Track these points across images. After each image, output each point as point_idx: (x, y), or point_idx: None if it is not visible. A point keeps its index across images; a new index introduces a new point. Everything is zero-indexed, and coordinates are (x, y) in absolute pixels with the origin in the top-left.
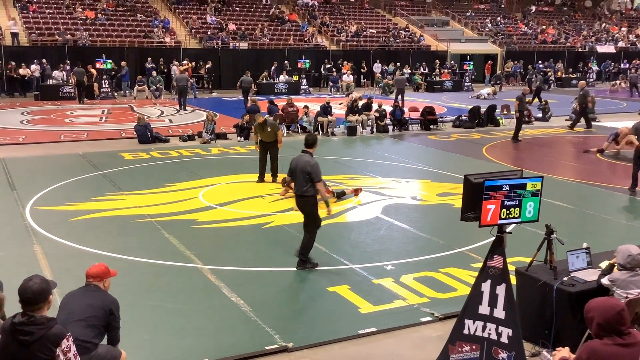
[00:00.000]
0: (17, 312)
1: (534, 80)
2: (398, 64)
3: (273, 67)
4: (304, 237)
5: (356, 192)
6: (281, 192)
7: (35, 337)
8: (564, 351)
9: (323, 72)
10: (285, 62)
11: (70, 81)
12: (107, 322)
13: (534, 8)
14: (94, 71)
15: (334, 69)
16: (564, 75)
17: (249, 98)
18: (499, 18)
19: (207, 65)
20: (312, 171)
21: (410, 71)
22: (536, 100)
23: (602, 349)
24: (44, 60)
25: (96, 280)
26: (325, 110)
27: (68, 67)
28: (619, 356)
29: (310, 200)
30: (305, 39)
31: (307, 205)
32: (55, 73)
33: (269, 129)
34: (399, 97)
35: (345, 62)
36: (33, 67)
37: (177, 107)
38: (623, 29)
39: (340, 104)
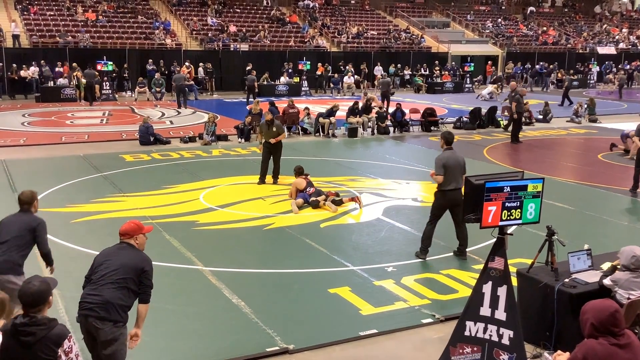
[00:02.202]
0: (18, 314)
1: (565, 80)
2: (399, 65)
3: (290, 69)
4: (463, 230)
5: (354, 200)
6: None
7: (37, 338)
8: (564, 356)
9: (324, 74)
10: (285, 63)
11: (71, 83)
12: (139, 280)
13: (529, 10)
14: (95, 73)
15: (335, 73)
16: (564, 77)
17: (254, 100)
18: (499, 19)
19: (248, 67)
20: (464, 165)
21: (410, 72)
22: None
23: (599, 348)
24: (42, 62)
25: (126, 238)
26: (331, 113)
27: (61, 68)
28: (615, 356)
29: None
30: (306, 41)
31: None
32: (60, 81)
33: (274, 129)
34: (385, 99)
35: (319, 64)
36: (32, 69)
37: (177, 108)
38: (624, 30)
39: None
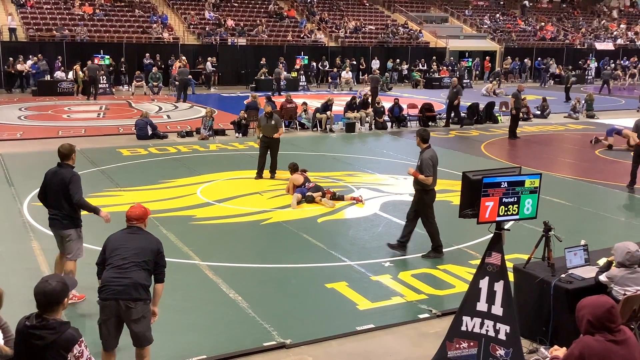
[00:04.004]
0: (31, 313)
1: (568, 76)
2: (397, 60)
3: (281, 63)
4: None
5: (355, 199)
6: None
7: (46, 342)
8: (560, 351)
9: (321, 67)
10: (280, 58)
11: (69, 77)
12: (156, 261)
13: (521, 4)
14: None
15: (335, 67)
16: (562, 73)
17: (251, 95)
18: (497, 15)
19: (262, 61)
20: None
21: (408, 67)
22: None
23: (595, 344)
24: (39, 56)
25: (139, 222)
26: (326, 107)
27: (59, 63)
28: (612, 352)
29: None
30: (304, 35)
31: None
32: (58, 74)
33: (273, 122)
34: (374, 95)
35: (298, 59)
36: (29, 62)
37: (176, 102)
38: (622, 25)
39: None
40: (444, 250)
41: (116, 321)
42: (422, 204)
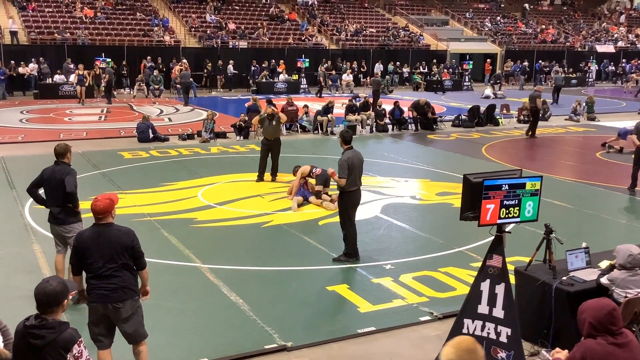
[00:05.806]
0: (31, 314)
1: (553, 79)
2: (398, 63)
3: (257, 66)
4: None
5: None
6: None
7: (46, 342)
8: (562, 354)
9: (320, 71)
10: (277, 61)
11: (71, 80)
12: (132, 255)
13: (523, 7)
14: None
15: (333, 69)
16: (563, 75)
17: (252, 98)
18: (498, 17)
19: (264, 64)
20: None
21: (409, 70)
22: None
23: (597, 347)
24: (41, 59)
25: (106, 216)
26: (327, 110)
27: (71, 66)
28: (614, 355)
29: None
30: (305, 38)
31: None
32: (57, 77)
33: (274, 123)
34: (376, 97)
35: (281, 62)
36: (31, 66)
37: (184, 105)
38: (622, 28)
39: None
40: (443, 252)
41: (106, 321)
42: (341, 205)
